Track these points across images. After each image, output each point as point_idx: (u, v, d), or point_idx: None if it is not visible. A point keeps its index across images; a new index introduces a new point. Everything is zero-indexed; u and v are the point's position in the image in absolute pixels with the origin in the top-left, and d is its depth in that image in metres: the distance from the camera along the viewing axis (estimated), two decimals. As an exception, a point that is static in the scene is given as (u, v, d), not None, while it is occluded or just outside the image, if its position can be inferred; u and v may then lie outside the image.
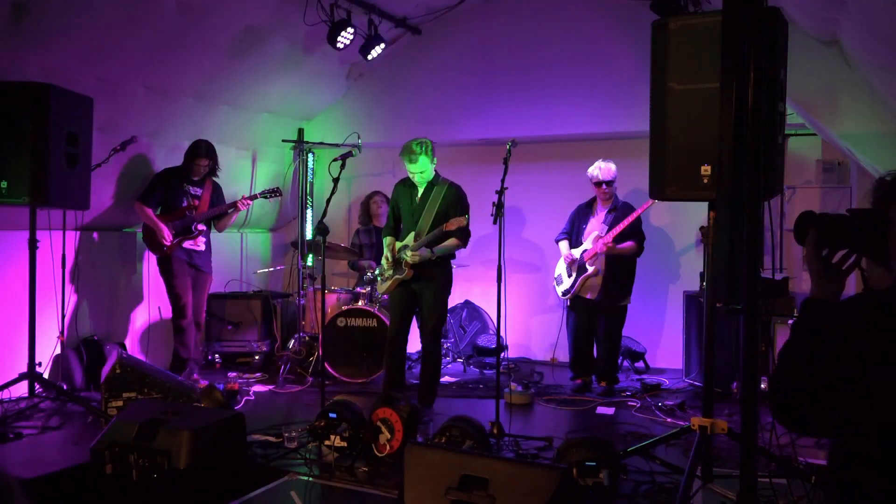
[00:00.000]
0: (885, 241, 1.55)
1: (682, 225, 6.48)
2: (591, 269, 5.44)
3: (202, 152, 5.55)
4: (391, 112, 7.01)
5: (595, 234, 5.47)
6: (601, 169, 5.46)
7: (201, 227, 5.63)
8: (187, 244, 5.55)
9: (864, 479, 1.42)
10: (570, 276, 5.57)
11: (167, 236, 5.43)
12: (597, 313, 5.51)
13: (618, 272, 5.41)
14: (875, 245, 1.59)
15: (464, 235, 4.71)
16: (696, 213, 6.06)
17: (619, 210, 5.44)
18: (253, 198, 5.77)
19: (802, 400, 1.45)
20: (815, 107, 5.02)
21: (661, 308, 6.60)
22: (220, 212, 5.71)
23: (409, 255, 4.56)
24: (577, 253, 5.55)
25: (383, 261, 4.84)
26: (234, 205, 5.68)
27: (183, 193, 5.57)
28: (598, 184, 5.47)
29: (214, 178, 5.77)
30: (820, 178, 5.91)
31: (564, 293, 5.62)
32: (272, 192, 5.81)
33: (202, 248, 5.68)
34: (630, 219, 5.29)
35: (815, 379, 1.43)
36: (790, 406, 1.48)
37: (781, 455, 3.23)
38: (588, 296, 5.50)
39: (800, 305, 1.66)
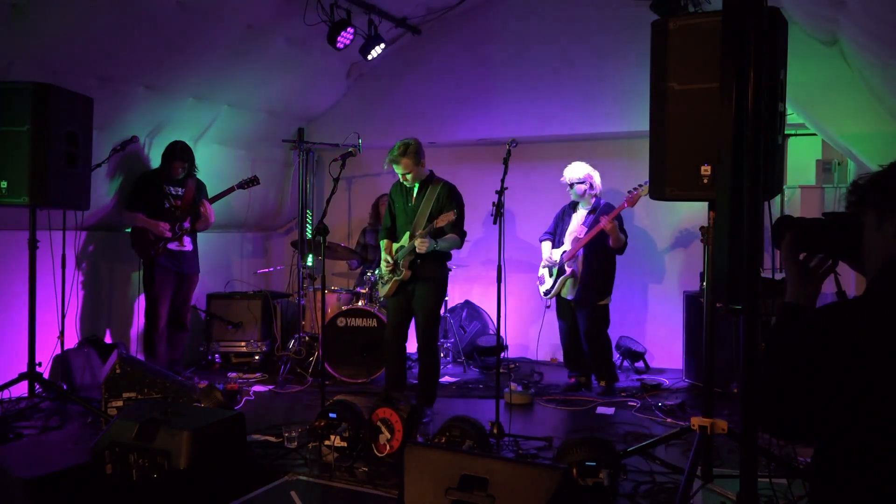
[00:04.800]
0: (859, 244, 1.57)
1: (681, 224, 6.48)
2: (568, 270, 5.44)
3: (176, 155, 5.52)
4: (391, 112, 7.01)
5: (574, 235, 5.47)
6: (568, 170, 5.52)
7: (186, 225, 5.59)
8: (173, 245, 5.53)
9: (843, 484, 1.43)
10: (550, 276, 5.58)
11: (164, 228, 5.42)
12: (578, 313, 5.50)
13: (595, 272, 5.40)
14: (850, 249, 1.60)
15: (458, 233, 4.69)
16: (696, 212, 6.07)
17: (598, 211, 5.43)
18: (214, 199, 5.69)
19: (780, 405, 1.47)
20: (815, 107, 5.02)
21: (660, 308, 6.59)
22: (197, 209, 5.63)
23: (417, 243, 4.52)
24: (556, 255, 5.56)
25: (382, 264, 4.82)
26: (197, 209, 5.62)
27: (164, 196, 5.54)
28: (570, 185, 5.50)
29: (198, 178, 5.75)
30: (820, 178, 5.91)
31: (545, 293, 5.63)
32: (249, 182, 5.77)
33: (189, 247, 5.67)
34: (614, 213, 5.25)
35: (791, 386, 1.44)
36: (770, 411, 1.50)
37: (781, 455, 3.23)
38: (566, 295, 5.51)
39: (777, 310, 1.68)
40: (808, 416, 1.44)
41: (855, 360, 1.37)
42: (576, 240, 5.44)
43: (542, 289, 5.66)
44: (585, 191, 5.46)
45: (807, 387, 1.42)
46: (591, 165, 5.59)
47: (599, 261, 5.40)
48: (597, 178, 5.50)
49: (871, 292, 1.49)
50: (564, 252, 5.50)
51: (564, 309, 5.61)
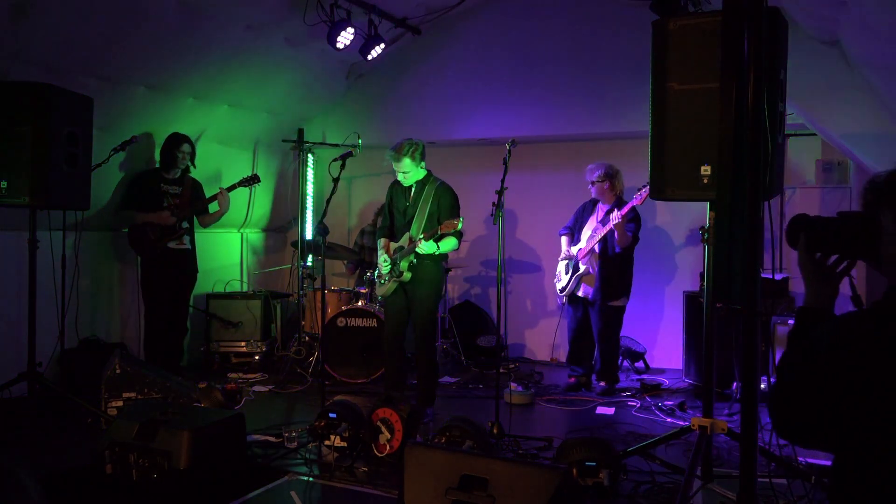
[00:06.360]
0: (877, 244, 1.53)
1: (682, 224, 6.48)
2: (582, 268, 5.45)
3: (181, 138, 5.56)
4: (391, 112, 7.02)
5: (589, 233, 5.47)
6: (589, 169, 5.53)
7: (185, 224, 5.60)
8: (171, 244, 5.53)
9: (863, 496, 1.42)
10: (567, 273, 5.59)
11: (165, 217, 5.44)
12: (591, 312, 5.51)
13: (610, 272, 5.40)
14: (867, 248, 1.57)
15: (457, 235, 4.69)
16: (696, 213, 6.07)
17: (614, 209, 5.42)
18: (231, 188, 5.70)
19: (800, 414, 1.45)
20: (815, 107, 5.02)
21: (660, 308, 6.60)
22: (202, 206, 5.66)
23: (421, 247, 4.51)
24: (574, 250, 5.56)
25: (381, 262, 4.82)
26: (214, 197, 5.64)
27: (162, 194, 5.55)
28: (590, 183, 5.51)
29: (193, 177, 5.75)
30: (820, 178, 5.91)
31: (561, 290, 5.63)
32: (250, 180, 5.77)
33: (187, 245, 5.67)
34: (624, 210, 5.23)
35: (813, 393, 1.42)
36: (789, 420, 1.47)
37: (781, 455, 3.23)
38: (581, 293, 5.51)
39: (795, 315, 1.65)
40: (817, 418, 1.42)
41: (871, 364, 1.35)
42: (591, 237, 5.45)
43: (559, 286, 5.68)
44: (605, 190, 5.45)
45: (819, 390, 1.40)
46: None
47: (615, 261, 5.39)
48: (619, 178, 5.48)
49: (892, 297, 1.47)
50: (580, 249, 5.50)
51: (577, 305, 5.62)
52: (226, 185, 5.80)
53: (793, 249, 1.71)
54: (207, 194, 5.76)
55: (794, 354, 1.52)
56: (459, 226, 4.45)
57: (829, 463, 3.42)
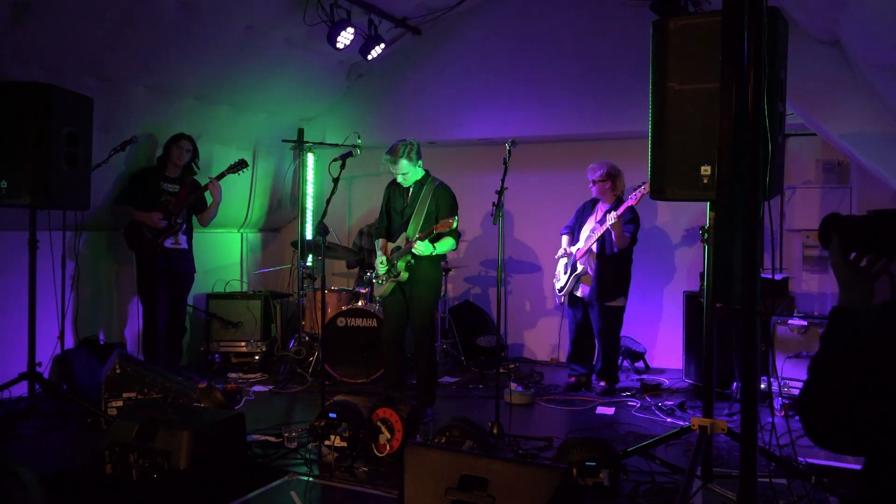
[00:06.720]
0: None
1: (681, 224, 6.48)
2: (580, 268, 5.45)
3: (181, 135, 5.56)
4: (391, 112, 7.02)
5: (587, 233, 5.48)
6: (589, 168, 5.52)
7: (181, 220, 5.60)
8: (169, 242, 5.53)
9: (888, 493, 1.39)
10: (565, 273, 5.59)
11: (156, 219, 5.43)
12: (591, 312, 5.51)
13: (607, 272, 5.39)
14: None
15: (454, 234, 4.69)
16: (696, 213, 6.08)
17: (612, 208, 5.42)
18: (220, 176, 5.69)
19: (832, 416, 1.39)
20: (815, 107, 5.02)
21: (660, 308, 6.60)
22: (195, 198, 5.66)
23: (416, 247, 4.51)
24: (572, 249, 5.56)
25: (378, 263, 4.81)
26: (205, 188, 5.63)
27: (160, 191, 5.55)
28: (592, 182, 5.50)
29: (193, 177, 5.75)
30: (820, 178, 5.91)
31: (560, 290, 5.64)
32: (238, 166, 5.76)
33: (184, 245, 5.66)
34: (620, 210, 5.24)
35: (844, 394, 1.36)
36: (821, 423, 1.42)
37: (781, 455, 3.23)
38: (579, 293, 5.52)
39: (828, 314, 1.62)
40: (856, 427, 1.37)
41: None
42: (588, 237, 5.45)
43: (557, 286, 5.69)
44: (606, 190, 5.45)
45: (855, 395, 1.35)
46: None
47: (612, 261, 5.39)
48: (621, 178, 5.48)
49: None
50: (578, 249, 5.50)
51: (577, 305, 5.62)
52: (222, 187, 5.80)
53: (824, 250, 1.67)
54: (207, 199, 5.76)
55: (828, 356, 1.47)
56: (455, 224, 4.45)
57: (828, 463, 3.42)
